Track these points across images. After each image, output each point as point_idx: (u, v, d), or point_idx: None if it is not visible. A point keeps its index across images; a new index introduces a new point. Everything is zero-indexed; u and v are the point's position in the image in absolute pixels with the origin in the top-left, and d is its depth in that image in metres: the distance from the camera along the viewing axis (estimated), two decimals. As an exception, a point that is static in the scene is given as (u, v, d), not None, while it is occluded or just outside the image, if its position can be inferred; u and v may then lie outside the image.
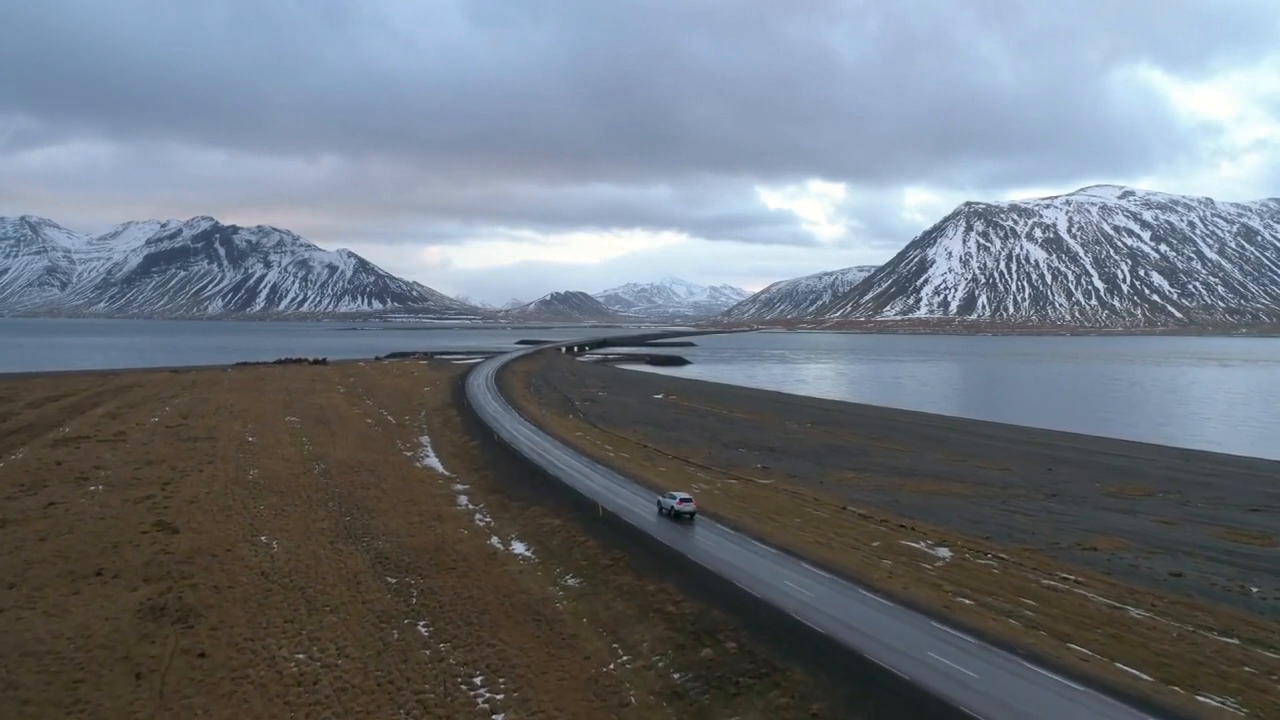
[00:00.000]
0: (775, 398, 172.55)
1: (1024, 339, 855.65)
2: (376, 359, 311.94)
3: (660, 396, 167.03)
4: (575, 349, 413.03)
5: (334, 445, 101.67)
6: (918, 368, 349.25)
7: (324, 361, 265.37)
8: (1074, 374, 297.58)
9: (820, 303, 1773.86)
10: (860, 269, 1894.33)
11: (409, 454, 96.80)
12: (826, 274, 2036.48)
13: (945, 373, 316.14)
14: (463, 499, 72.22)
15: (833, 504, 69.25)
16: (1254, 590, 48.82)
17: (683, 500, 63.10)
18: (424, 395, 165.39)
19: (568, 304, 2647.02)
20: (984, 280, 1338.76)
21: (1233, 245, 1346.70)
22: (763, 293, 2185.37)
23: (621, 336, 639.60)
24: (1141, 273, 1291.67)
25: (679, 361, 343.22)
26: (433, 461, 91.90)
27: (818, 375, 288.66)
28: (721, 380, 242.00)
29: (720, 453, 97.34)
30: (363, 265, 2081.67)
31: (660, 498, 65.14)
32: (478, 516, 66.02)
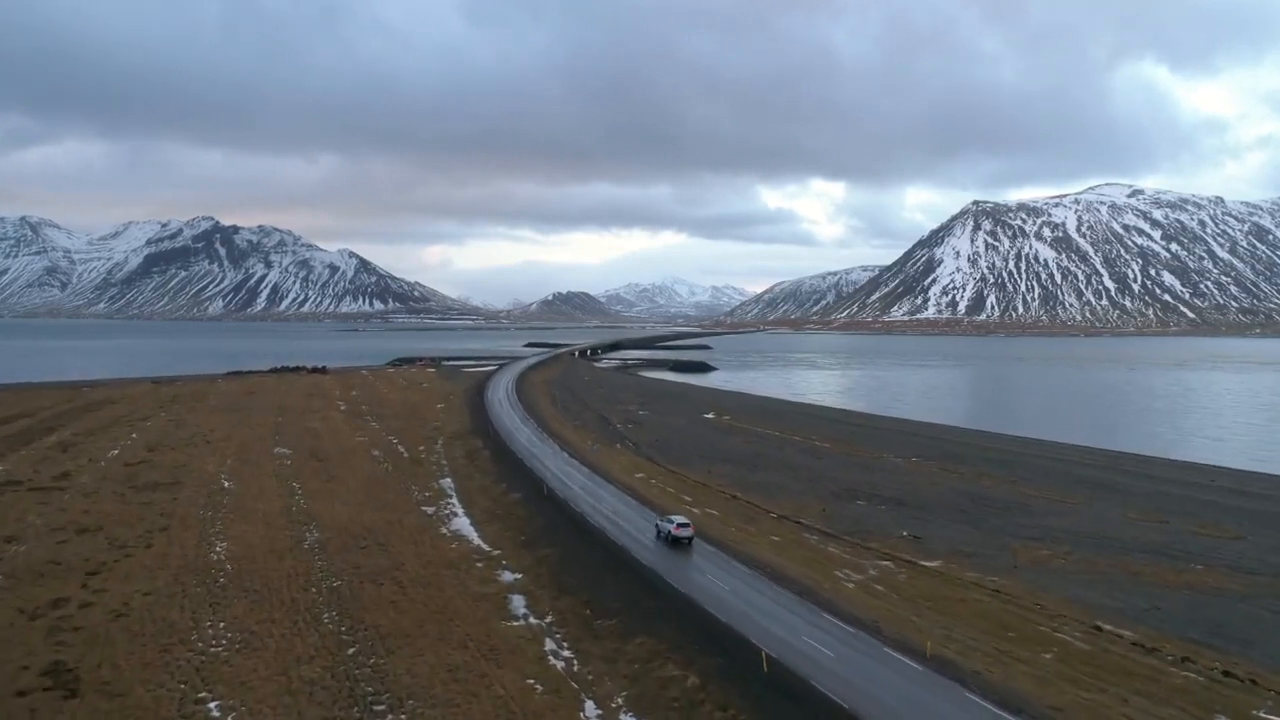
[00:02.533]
0: (842, 417, 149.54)
1: (1039, 340, 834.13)
2: (380, 366, 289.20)
3: (710, 416, 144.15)
4: (588, 352, 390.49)
5: (332, 495, 78.77)
6: (957, 374, 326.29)
7: (324, 370, 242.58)
8: (1144, 381, 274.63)
9: (824, 303, 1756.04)
10: (864, 269, 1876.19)
11: (430, 510, 73.87)
12: (830, 274, 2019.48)
13: (993, 380, 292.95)
14: (520, 607, 49.31)
15: (1075, 618, 46.50)
16: None
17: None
18: (438, 415, 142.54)
19: (570, 304, 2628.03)
20: (993, 280, 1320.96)
21: (1244, 244, 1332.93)
22: (766, 293, 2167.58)
23: (632, 339, 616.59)
24: (1153, 272, 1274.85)
25: (703, 368, 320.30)
26: (464, 525, 68.95)
27: (859, 384, 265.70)
28: (761, 391, 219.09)
29: (836, 508, 74.55)
30: (364, 265, 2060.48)
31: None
32: (550, 649, 43.07)
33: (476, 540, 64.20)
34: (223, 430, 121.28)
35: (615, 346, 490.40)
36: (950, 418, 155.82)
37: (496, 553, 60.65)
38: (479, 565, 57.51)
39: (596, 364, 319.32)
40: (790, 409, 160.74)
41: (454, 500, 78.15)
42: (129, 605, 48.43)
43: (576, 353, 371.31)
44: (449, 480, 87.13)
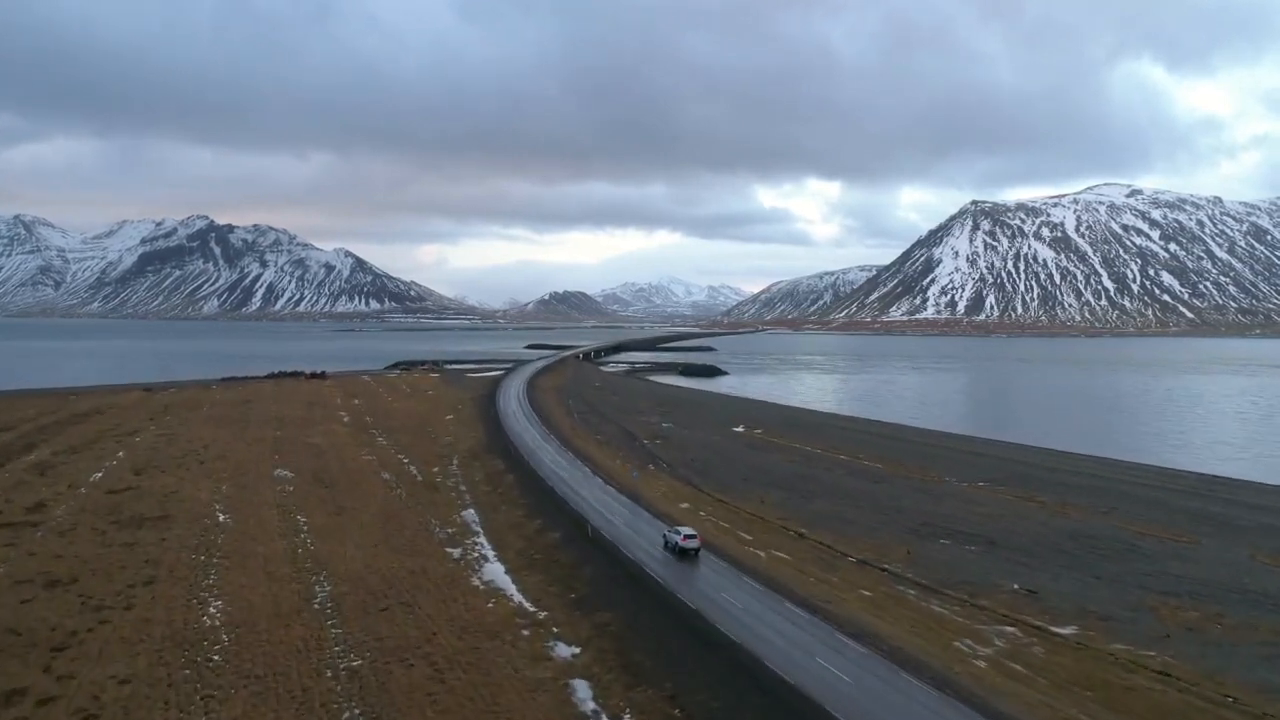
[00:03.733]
0: (879, 430, 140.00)
1: (1040, 341, 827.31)
2: (381, 371, 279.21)
3: (740, 430, 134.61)
4: (592, 355, 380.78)
5: (342, 532, 69.07)
6: (973, 378, 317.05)
7: (323, 375, 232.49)
8: (1177, 387, 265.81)
9: (821, 303, 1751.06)
10: (861, 268, 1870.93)
11: (455, 553, 64.23)
12: (827, 274, 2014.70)
13: (1014, 385, 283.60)
14: (586, 700, 39.73)
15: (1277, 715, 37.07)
16: None
17: None
18: (448, 428, 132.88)
19: (566, 304, 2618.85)
20: (992, 280, 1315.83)
21: (1242, 244, 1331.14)
22: (763, 292, 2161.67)
23: (634, 340, 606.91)
24: (1151, 272, 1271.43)
25: (713, 371, 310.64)
26: (497, 573, 59.34)
27: (878, 390, 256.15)
28: (781, 399, 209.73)
29: (920, 549, 65.08)
30: (360, 265, 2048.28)
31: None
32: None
33: (516, 596, 54.57)
34: (217, 447, 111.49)
35: (618, 348, 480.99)
36: (992, 429, 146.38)
37: (543, 615, 51.03)
38: (525, 634, 47.88)
39: (603, 368, 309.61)
40: (820, 421, 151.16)
41: (481, 539, 68.45)
42: (100, 701, 38.79)
43: (581, 355, 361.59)
44: (472, 512, 77.41)
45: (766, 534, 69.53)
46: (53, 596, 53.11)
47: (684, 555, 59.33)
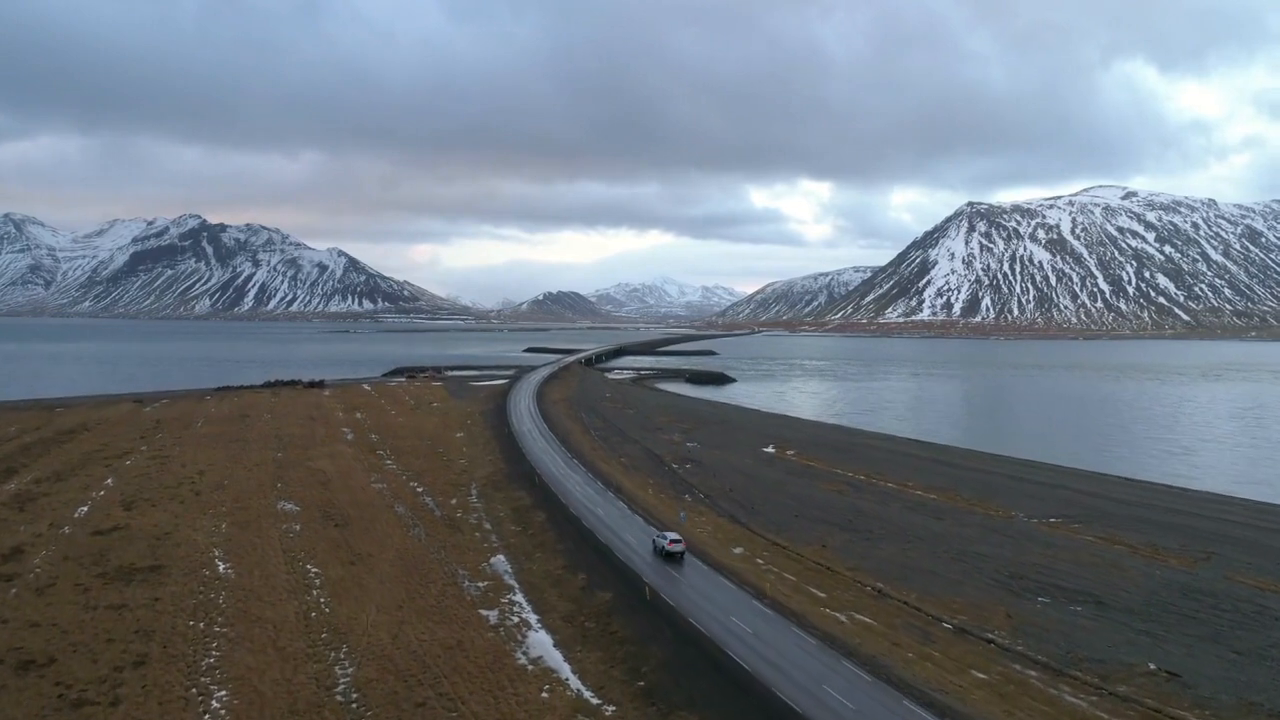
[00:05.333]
0: (920, 451, 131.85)
1: (1040, 343, 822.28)
2: (380, 378, 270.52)
3: (771, 451, 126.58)
4: (594, 360, 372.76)
5: (361, 590, 60.76)
6: (988, 385, 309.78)
7: (321, 384, 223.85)
8: (1203, 396, 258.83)
9: (816, 304, 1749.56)
10: (856, 269, 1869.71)
11: (492, 616, 55.99)
12: (822, 275, 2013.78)
13: (1038, 394, 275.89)
14: None
15: None
16: None
17: None
18: (460, 448, 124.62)
19: (560, 304, 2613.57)
20: (988, 282, 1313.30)
21: (1237, 247, 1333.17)
22: (758, 293, 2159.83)
23: (634, 343, 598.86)
24: (1147, 274, 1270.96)
25: (722, 379, 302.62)
26: (544, 646, 51.14)
27: (897, 399, 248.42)
28: (805, 413, 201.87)
29: (1020, 611, 57.11)
30: (353, 264, 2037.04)
31: None
32: None
33: (573, 681, 46.33)
34: (214, 472, 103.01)
35: (619, 352, 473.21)
36: (1032, 449, 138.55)
37: (610, 710, 42.85)
38: (595, 742, 39.69)
39: (609, 375, 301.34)
40: (851, 440, 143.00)
41: (519, 597, 60.18)
42: None
43: (583, 360, 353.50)
44: (503, 560, 69.09)
45: (840, 590, 61.47)
46: (24, 685, 44.76)
47: (670, 559, 65.19)
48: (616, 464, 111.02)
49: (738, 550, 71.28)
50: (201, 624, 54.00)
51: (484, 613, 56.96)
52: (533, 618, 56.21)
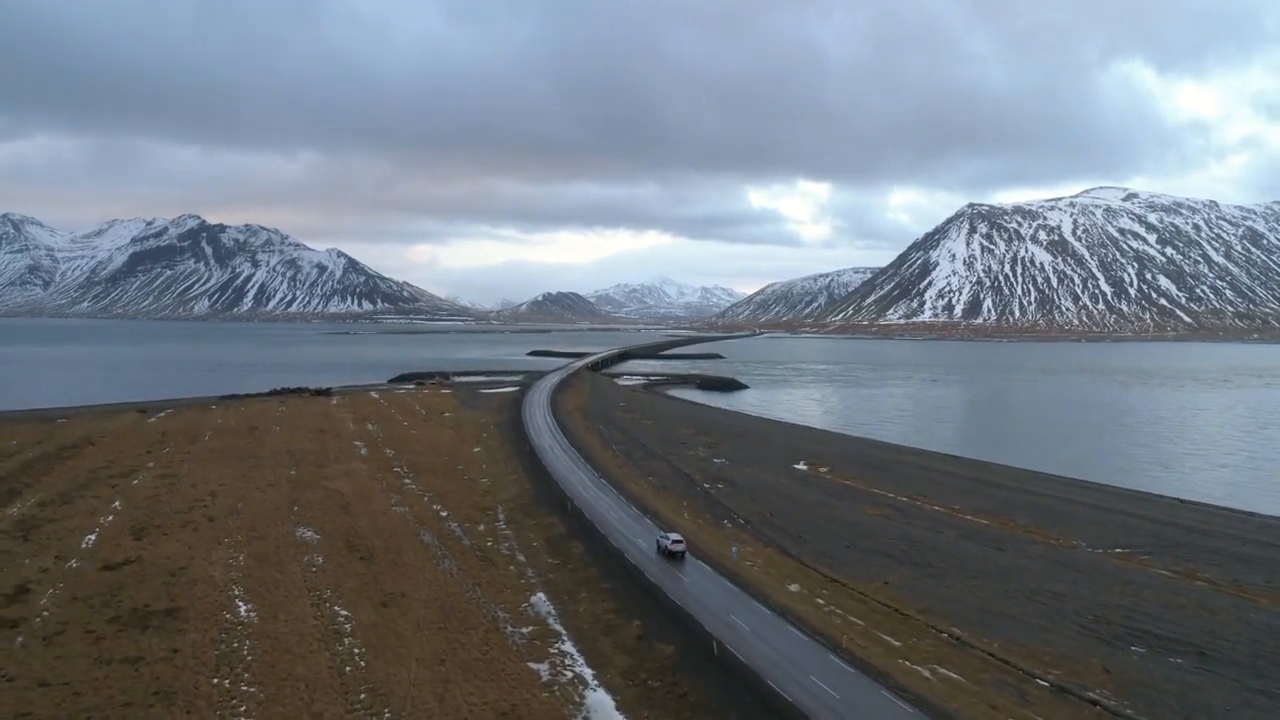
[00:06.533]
0: (958, 469, 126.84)
1: (1045, 345, 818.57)
2: (387, 385, 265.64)
3: (804, 468, 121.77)
4: (600, 365, 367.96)
5: (398, 638, 55.93)
6: (1006, 390, 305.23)
7: (328, 392, 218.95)
8: (1238, 404, 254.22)
9: (816, 305, 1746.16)
10: (856, 270, 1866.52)
11: (543, 672, 51.22)
12: (821, 275, 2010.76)
13: (1064, 402, 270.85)
14: None
15: None
16: None
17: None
18: (479, 464, 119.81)
19: (560, 304, 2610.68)
20: (989, 283, 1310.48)
21: (1239, 249, 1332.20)
22: (757, 294, 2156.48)
23: (638, 346, 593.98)
24: (1148, 276, 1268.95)
25: (734, 385, 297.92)
26: (607, 710, 46.42)
27: (918, 408, 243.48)
28: (825, 424, 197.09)
29: (1119, 665, 52.38)
30: (352, 265, 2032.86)
31: None
32: None
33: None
34: (226, 494, 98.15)
35: (624, 356, 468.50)
36: (1075, 465, 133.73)
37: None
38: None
39: (619, 381, 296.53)
40: (887, 456, 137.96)
41: (568, 646, 55.32)
42: None
43: (589, 366, 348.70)
44: (545, 600, 64.23)
45: (915, 637, 56.69)
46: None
47: (671, 558, 69.88)
48: (646, 484, 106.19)
49: (794, 588, 66.49)
50: (227, 681, 49.20)
51: (533, 666, 52.17)
52: (588, 672, 51.42)
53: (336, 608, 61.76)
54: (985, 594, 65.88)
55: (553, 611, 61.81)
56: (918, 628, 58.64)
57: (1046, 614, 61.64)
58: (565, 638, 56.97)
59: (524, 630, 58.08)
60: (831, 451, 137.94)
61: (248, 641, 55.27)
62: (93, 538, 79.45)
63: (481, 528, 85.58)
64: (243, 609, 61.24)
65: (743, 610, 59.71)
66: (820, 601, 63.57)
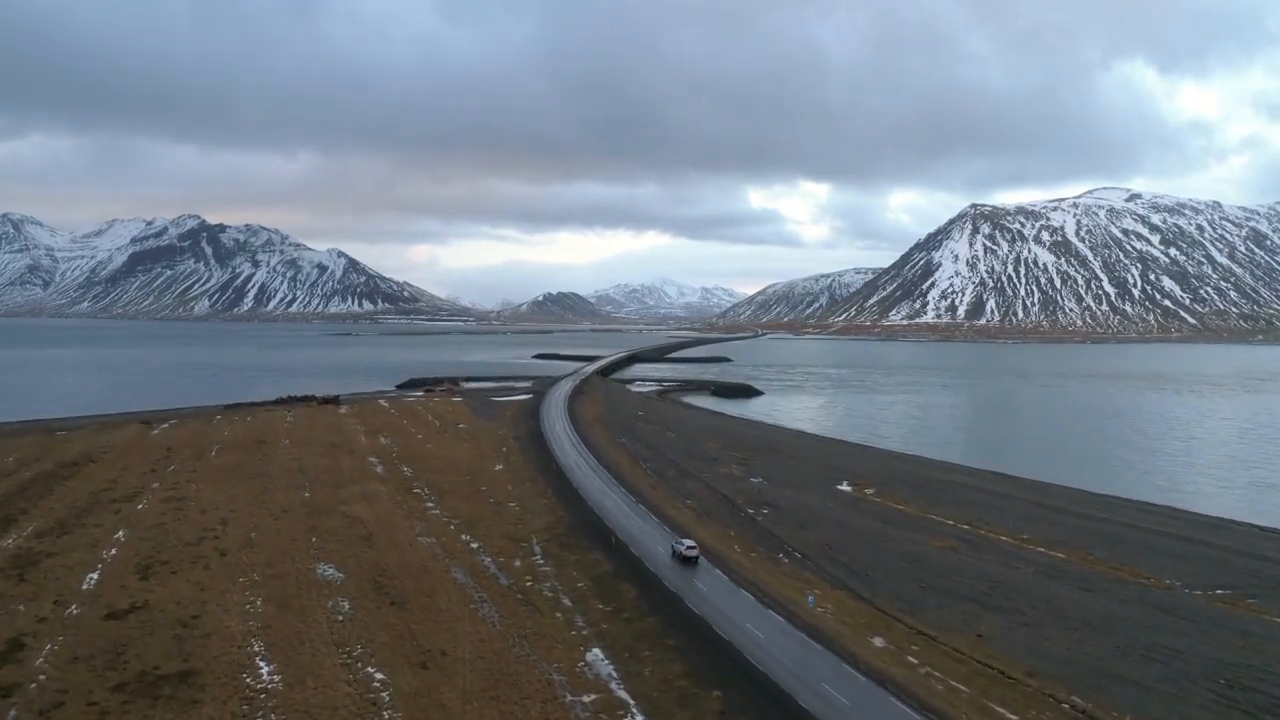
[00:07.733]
0: (1012, 491, 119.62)
1: (1051, 347, 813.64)
2: (394, 392, 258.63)
3: (848, 489, 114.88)
4: (608, 370, 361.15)
5: (443, 710, 48.99)
6: (1021, 396, 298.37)
7: (336, 400, 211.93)
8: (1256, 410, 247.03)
9: (817, 305, 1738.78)
10: (857, 271, 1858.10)
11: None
12: (823, 276, 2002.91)
13: (1081, 408, 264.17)
14: None
15: None
16: None
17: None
18: (504, 484, 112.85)
19: (560, 305, 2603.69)
20: (992, 284, 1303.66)
21: (1242, 249, 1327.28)
22: (758, 294, 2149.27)
23: (645, 349, 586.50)
24: (1152, 277, 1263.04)
25: (749, 391, 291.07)
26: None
27: (942, 419, 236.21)
28: (854, 436, 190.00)
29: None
30: (353, 265, 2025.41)
31: None
32: None
33: None
34: (238, 523, 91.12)
35: (631, 360, 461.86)
36: (1128, 484, 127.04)
37: None
38: None
39: (631, 388, 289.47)
40: (931, 475, 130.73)
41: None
42: None
43: (598, 371, 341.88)
44: (602, 657, 57.27)
45: (1033, 708, 49.77)
46: None
47: (686, 563, 71.39)
48: (686, 509, 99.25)
49: (878, 642, 59.56)
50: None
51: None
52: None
53: (370, 669, 54.83)
54: (1093, 650, 58.96)
55: (614, 674, 54.84)
56: (1032, 697, 51.68)
57: (1171, 677, 54.73)
58: (634, 710, 50.01)
59: (585, 700, 51.12)
60: (872, 469, 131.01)
61: (272, 716, 48.34)
62: (95, 576, 72.49)
63: (518, 563, 78.63)
64: (264, 670, 54.32)
65: (832, 676, 52.76)
66: (913, 660, 56.66)
